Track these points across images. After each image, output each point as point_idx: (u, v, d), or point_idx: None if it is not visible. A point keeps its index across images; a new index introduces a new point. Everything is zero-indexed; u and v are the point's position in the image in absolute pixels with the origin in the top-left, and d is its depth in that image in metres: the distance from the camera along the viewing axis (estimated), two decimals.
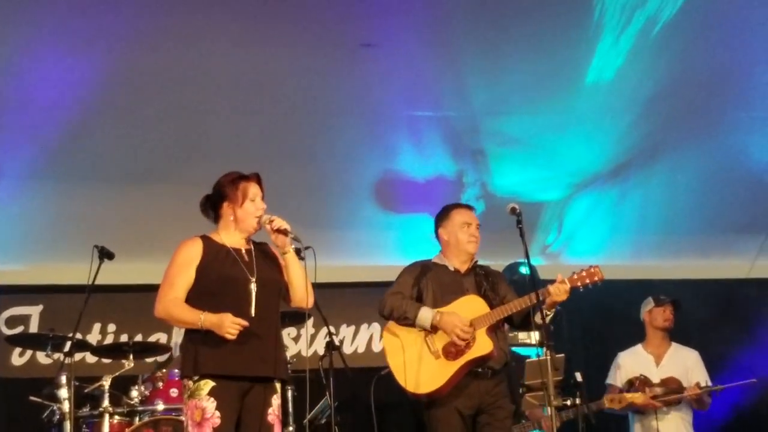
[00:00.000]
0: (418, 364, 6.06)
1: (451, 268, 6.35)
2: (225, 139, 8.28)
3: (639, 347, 7.95)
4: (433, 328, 6.08)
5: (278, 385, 5.32)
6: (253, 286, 5.25)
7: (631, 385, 7.60)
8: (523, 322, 6.34)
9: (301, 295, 5.44)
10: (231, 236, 5.43)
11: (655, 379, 7.62)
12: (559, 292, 6.00)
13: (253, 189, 5.43)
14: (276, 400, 5.27)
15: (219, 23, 7.55)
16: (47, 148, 8.05)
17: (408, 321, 6.13)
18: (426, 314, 6.09)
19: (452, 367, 6.02)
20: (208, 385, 5.15)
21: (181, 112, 8.08)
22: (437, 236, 6.51)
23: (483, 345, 6.05)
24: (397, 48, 7.92)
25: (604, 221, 9.63)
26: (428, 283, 6.27)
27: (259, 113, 8.23)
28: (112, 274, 6.86)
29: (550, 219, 9.57)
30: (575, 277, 6.10)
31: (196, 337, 5.22)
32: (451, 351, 6.05)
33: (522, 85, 8.35)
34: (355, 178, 8.93)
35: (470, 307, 6.15)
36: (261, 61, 7.85)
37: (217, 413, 5.10)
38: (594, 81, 8.38)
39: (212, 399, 5.13)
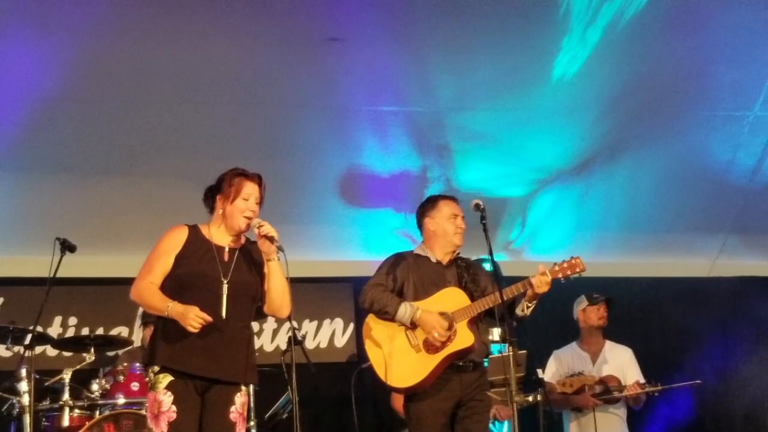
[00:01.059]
0: (399, 358, 6.04)
1: (434, 260, 6.33)
2: (188, 132, 8.24)
3: (574, 345, 7.98)
4: (413, 324, 6.07)
5: (242, 384, 5.27)
6: (225, 288, 5.20)
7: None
8: (504, 315, 6.35)
9: (278, 305, 5.37)
10: (218, 231, 5.39)
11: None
12: (541, 283, 5.99)
13: (249, 188, 5.37)
14: (240, 398, 5.22)
15: (185, 15, 7.51)
16: (8, 139, 7.99)
17: (387, 316, 6.09)
18: (406, 311, 6.04)
19: (433, 361, 6.00)
20: (166, 378, 5.13)
21: (145, 103, 8.03)
22: (421, 226, 6.48)
23: (464, 338, 6.04)
24: (363, 43, 7.91)
25: (568, 218, 9.66)
26: (410, 275, 6.24)
27: (223, 106, 8.20)
28: (73, 266, 6.83)
29: (514, 215, 9.59)
30: (557, 268, 6.09)
31: (162, 327, 5.20)
32: (432, 345, 6.05)
33: (487, 80, 8.36)
34: (319, 173, 8.91)
35: (451, 299, 6.13)
36: (226, 53, 7.82)
37: (174, 407, 5.08)
38: (559, 77, 8.41)
39: (169, 393, 5.11)
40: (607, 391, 7.53)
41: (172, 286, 5.22)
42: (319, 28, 7.77)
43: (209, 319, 5.05)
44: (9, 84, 7.67)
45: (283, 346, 7.77)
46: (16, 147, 8.06)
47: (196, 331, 5.03)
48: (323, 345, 9.23)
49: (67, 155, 8.28)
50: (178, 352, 5.14)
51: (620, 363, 7.78)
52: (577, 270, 6.10)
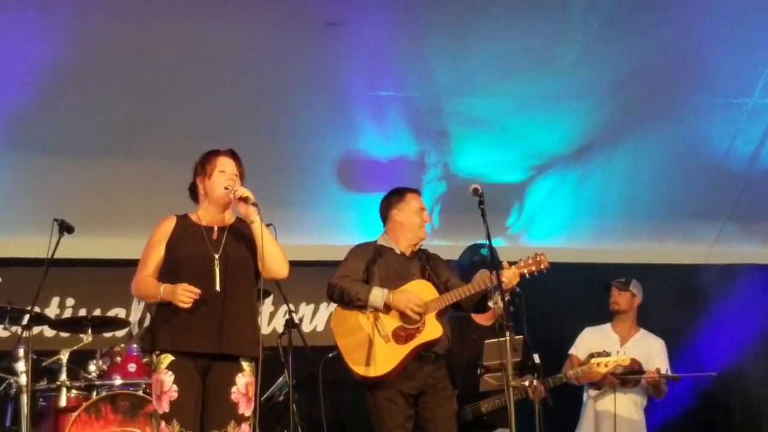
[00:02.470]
0: (369, 347, 6.08)
1: (398, 251, 6.37)
2: (186, 114, 8.24)
3: (607, 326, 8.05)
4: (386, 308, 6.10)
5: (246, 364, 5.28)
6: (217, 263, 5.22)
7: (592, 358, 7.67)
8: (474, 308, 6.39)
9: (272, 266, 5.36)
10: (207, 213, 5.45)
11: None
12: (513, 277, 6.06)
13: (222, 161, 5.44)
14: (242, 379, 5.23)
15: None
16: (7, 119, 7.98)
17: (360, 302, 6.14)
18: (378, 294, 6.11)
19: (403, 351, 6.06)
20: (167, 359, 5.19)
21: (143, 85, 8.03)
22: (386, 217, 6.51)
23: (433, 330, 6.11)
24: (362, 28, 7.91)
25: (565, 204, 9.67)
26: (375, 267, 6.29)
27: (222, 89, 8.19)
28: (71, 248, 6.83)
29: (512, 200, 9.59)
30: (521, 264, 6.16)
31: (159, 312, 5.27)
32: (401, 335, 6.09)
33: (486, 66, 8.35)
34: (317, 157, 8.91)
35: (420, 291, 6.18)
36: (226, 36, 7.81)
37: (175, 387, 5.13)
38: (558, 63, 8.40)
39: (170, 373, 5.15)
40: (626, 373, 7.57)
41: (168, 272, 5.29)
42: (318, 12, 7.76)
43: (197, 291, 5.08)
44: (8, 64, 7.66)
45: (280, 329, 7.75)
46: (14, 128, 8.05)
47: (187, 305, 5.08)
48: (320, 328, 9.24)
49: (66, 136, 8.28)
50: (176, 333, 5.19)
51: (649, 352, 7.84)
52: (542, 267, 6.20)
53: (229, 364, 5.21)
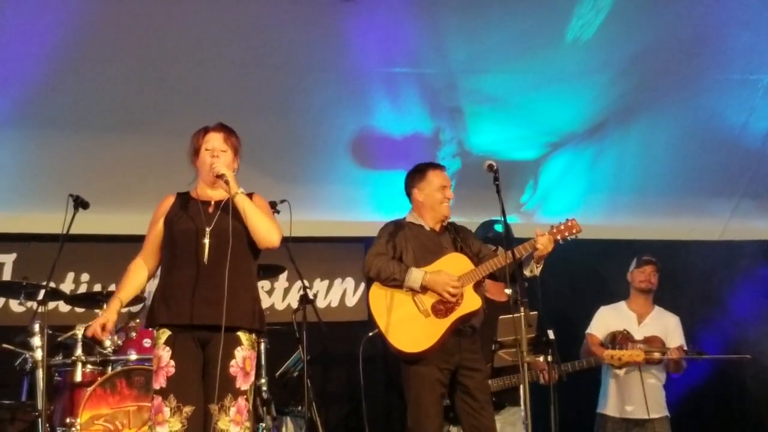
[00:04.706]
0: (408, 324, 6.08)
1: (427, 228, 6.37)
2: (201, 91, 8.24)
3: (622, 303, 8.04)
4: (423, 289, 6.10)
5: (244, 337, 5.27)
6: (207, 236, 5.23)
7: (614, 338, 7.68)
8: (511, 277, 6.38)
9: (260, 236, 5.34)
10: (203, 189, 5.49)
11: (637, 336, 7.70)
12: (547, 243, 6.07)
13: (209, 137, 5.45)
14: (240, 353, 5.23)
15: None
16: (22, 96, 7.99)
17: (396, 282, 6.13)
18: (415, 275, 6.10)
19: (443, 325, 6.06)
20: (165, 334, 5.25)
21: (156, 62, 8.03)
22: (409, 195, 6.51)
23: (472, 301, 6.10)
24: (376, 4, 7.90)
25: (580, 180, 9.65)
26: (407, 243, 6.28)
27: (236, 66, 8.19)
28: (86, 223, 6.86)
29: (526, 177, 9.59)
30: (554, 230, 6.16)
31: (157, 288, 5.38)
32: (440, 309, 6.08)
33: (500, 43, 8.34)
34: (331, 134, 8.91)
35: (455, 264, 6.18)
36: (239, 13, 7.81)
37: (172, 362, 5.17)
38: (573, 40, 8.38)
39: (167, 348, 5.20)
40: (649, 351, 7.58)
41: (166, 247, 5.38)
42: None
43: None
44: (23, 42, 7.67)
45: (294, 305, 7.77)
46: (30, 105, 8.06)
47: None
48: (334, 304, 9.26)
49: (80, 113, 8.29)
50: (171, 308, 5.24)
51: (665, 328, 7.86)
52: (575, 231, 6.20)
53: (227, 336, 5.16)
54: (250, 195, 5.47)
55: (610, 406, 7.83)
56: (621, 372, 7.72)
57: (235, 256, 5.23)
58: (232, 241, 5.20)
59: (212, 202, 5.41)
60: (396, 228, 6.39)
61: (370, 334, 7.17)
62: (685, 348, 7.69)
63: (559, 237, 6.18)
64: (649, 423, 7.68)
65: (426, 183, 6.43)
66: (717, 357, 7.71)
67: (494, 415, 6.36)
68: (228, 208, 5.32)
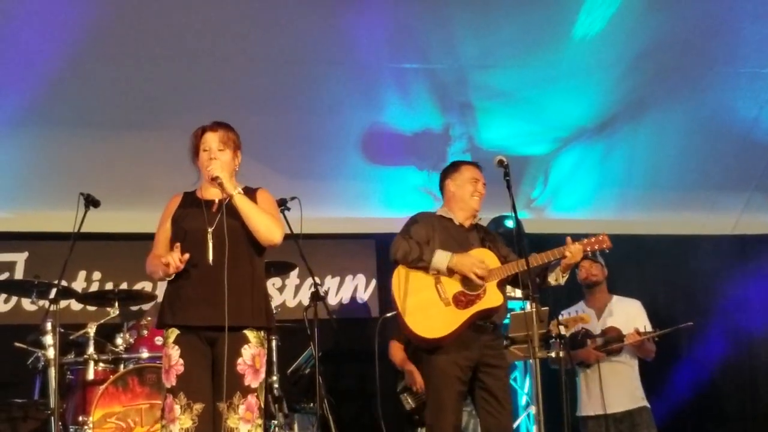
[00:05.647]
0: (428, 309, 6.06)
1: (457, 222, 6.37)
2: (211, 87, 8.24)
3: (581, 304, 7.98)
4: (449, 271, 6.09)
5: (252, 335, 5.26)
6: (210, 236, 5.21)
7: (574, 338, 7.65)
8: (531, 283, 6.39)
9: (261, 235, 5.30)
10: (206, 189, 5.46)
11: (597, 331, 7.68)
12: (576, 252, 6.08)
13: (206, 138, 5.42)
14: (249, 350, 5.21)
15: None
16: (32, 95, 8.00)
17: (423, 263, 6.10)
18: (442, 256, 6.07)
19: (462, 316, 6.03)
20: (173, 333, 5.26)
21: (169, 59, 8.03)
22: (443, 188, 6.52)
23: (494, 297, 6.08)
24: None
25: (590, 176, 9.65)
26: (435, 233, 6.28)
27: (247, 62, 8.19)
28: (97, 222, 6.87)
29: (536, 173, 9.58)
30: (585, 242, 6.18)
31: (166, 289, 5.36)
32: (462, 300, 6.06)
33: (510, 38, 8.32)
34: (341, 130, 8.91)
35: (483, 259, 6.17)
36: (250, 9, 7.81)
37: (181, 360, 5.18)
38: (582, 35, 8.36)
39: (176, 347, 5.21)
40: (607, 343, 7.56)
41: (174, 245, 5.32)
42: None
43: (181, 256, 5.13)
44: (33, 40, 7.68)
45: (306, 302, 7.78)
46: (40, 103, 8.07)
47: (173, 270, 5.15)
48: (345, 300, 9.28)
49: (91, 111, 8.30)
50: (177, 308, 5.25)
51: (628, 315, 7.79)
52: (604, 246, 6.20)
53: (233, 335, 5.17)
54: (255, 190, 5.47)
55: (584, 406, 7.78)
56: (588, 370, 7.69)
57: (236, 255, 5.24)
58: (232, 242, 5.21)
59: (216, 202, 5.38)
60: (425, 217, 6.40)
61: (387, 315, 7.18)
62: (642, 331, 7.59)
63: (588, 249, 6.19)
64: (627, 416, 7.62)
65: (458, 174, 6.43)
66: (663, 332, 7.62)
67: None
68: (229, 207, 5.31)
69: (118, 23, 7.71)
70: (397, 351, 7.68)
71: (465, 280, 6.09)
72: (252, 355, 5.23)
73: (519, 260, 6.13)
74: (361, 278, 9.34)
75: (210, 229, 5.23)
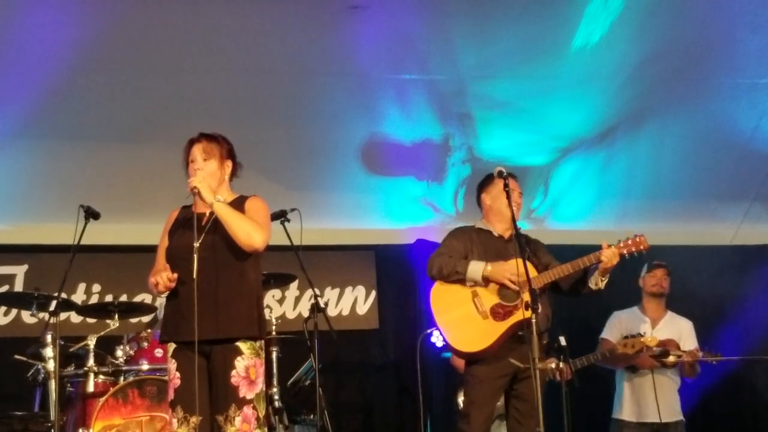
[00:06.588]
0: (466, 323, 6.14)
1: (495, 234, 6.38)
2: (212, 100, 8.24)
3: (636, 309, 8.06)
4: (485, 281, 6.13)
5: (244, 346, 5.23)
6: (195, 249, 5.16)
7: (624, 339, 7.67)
8: (572, 288, 6.38)
9: (240, 241, 5.23)
10: (198, 201, 5.42)
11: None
12: (612, 256, 6.09)
13: (192, 150, 5.44)
14: (242, 362, 5.19)
15: None
16: (32, 107, 8.00)
17: (459, 275, 6.17)
18: (476, 266, 6.16)
19: (500, 328, 6.09)
20: (172, 347, 5.32)
21: (169, 71, 8.03)
22: (480, 202, 6.56)
23: None
24: (385, 10, 7.88)
25: (590, 186, 9.64)
26: (473, 247, 6.32)
27: (246, 73, 8.19)
28: (97, 234, 6.88)
29: (536, 183, 9.57)
30: (621, 244, 6.18)
31: (164, 305, 5.43)
32: (499, 312, 6.11)
33: (509, 48, 8.32)
34: (341, 141, 8.91)
35: (519, 270, 6.16)
36: (248, 21, 7.81)
37: (178, 374, 5.21)
38: (581, 45, 8.36)
39: (174, 361, 5.26)
40: (665, 354, 7.58)
41: (167, 261, 5.36)
42: None
43: (168, 276, 5.16)
44: (33, 52, 7.68)
45: (306, 314, 7.77)
46: (40, 115, 8.07)
47: (165, 290, 5.21)
48: (345, 312, 9.26)
49: (91, 124, 8.31)
50: (170, 324, 5.31)
51: (679, 332, 7.88)
52: (641, 248, 6.22)
53: (226, 348, 5.19)
54: (245, 198, 5.47)
55: (625, 410, 7.84)
56: (635, 376, 7.72)
57: (224, 267, 5.26)
58: (218, 254, 5.25)
59: (206, 214, 5.37)
60: (462, 231, 6.49)
61: (428, 331, 7.23)
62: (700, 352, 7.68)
63: (625, 251, 6.20)
64: (663, 427, 7.68)
65: (493, 186, 6.47)
66: (733, 359, 7.70)
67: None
68: (218, 219, 5.31)
69: (119, 36, 7.72)
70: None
71: (502, 292, 6.14)
72: (246, 366, 5.22)
73: (554, 268, 6.21)
74: (360, 290, 9.32)
75: (195, 245, 5.19)
